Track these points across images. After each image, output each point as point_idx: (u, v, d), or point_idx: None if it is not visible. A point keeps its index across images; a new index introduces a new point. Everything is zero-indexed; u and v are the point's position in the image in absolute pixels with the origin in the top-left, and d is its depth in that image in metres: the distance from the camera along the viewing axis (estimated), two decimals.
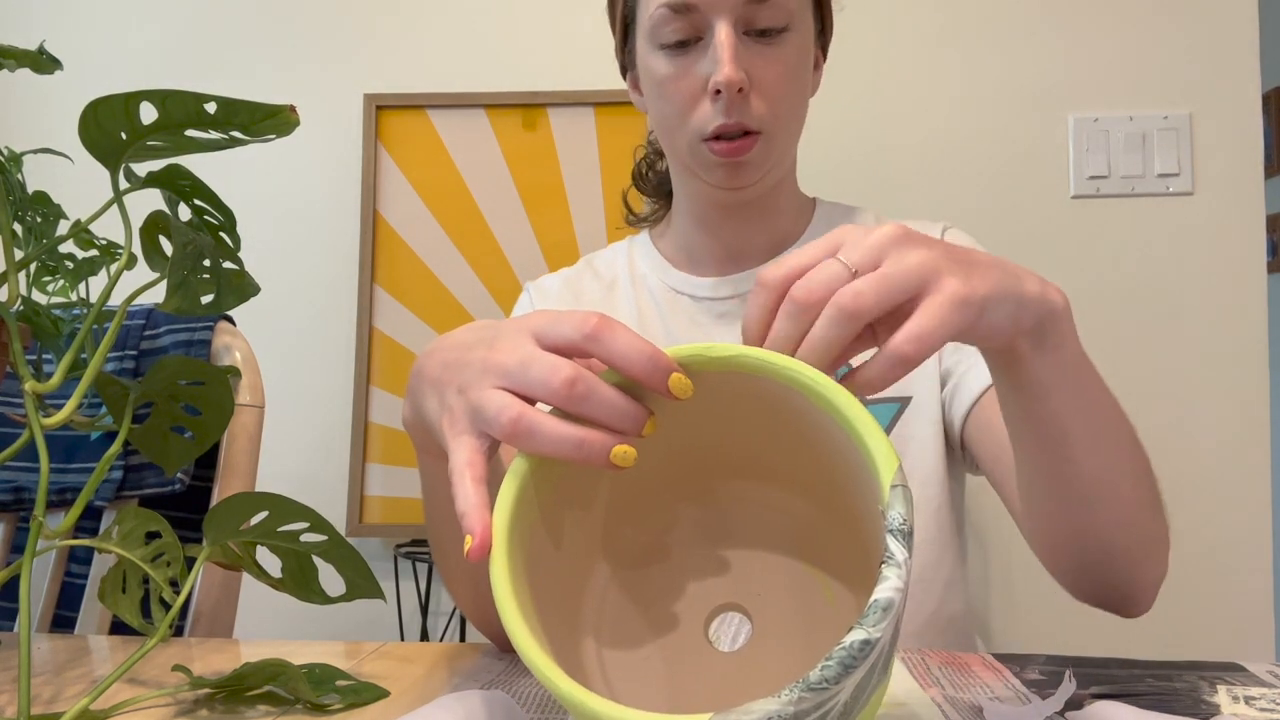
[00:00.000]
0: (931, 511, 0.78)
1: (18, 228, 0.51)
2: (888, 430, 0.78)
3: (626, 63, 0.85)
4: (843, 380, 0.40)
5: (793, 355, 0.40)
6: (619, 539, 0.47)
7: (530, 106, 1.58)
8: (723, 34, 0.72)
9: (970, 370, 0.77)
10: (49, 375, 0.46)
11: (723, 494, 0.47)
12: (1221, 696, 0.50)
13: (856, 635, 0.32)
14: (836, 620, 0.44)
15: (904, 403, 0.79)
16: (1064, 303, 0.48)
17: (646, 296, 0.87)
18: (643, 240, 0.92)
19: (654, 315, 0.86)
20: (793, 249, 0.83)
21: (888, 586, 0.33)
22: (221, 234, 0.53)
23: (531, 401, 0.42)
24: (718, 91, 0.73)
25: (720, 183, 0.78)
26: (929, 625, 0.77)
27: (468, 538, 0.39)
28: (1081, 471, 0.55)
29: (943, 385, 0.79)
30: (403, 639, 1.41)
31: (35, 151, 0.54)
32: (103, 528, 0.91)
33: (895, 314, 0.41)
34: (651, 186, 0.95)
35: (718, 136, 0.75)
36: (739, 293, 0.83)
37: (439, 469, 0.54)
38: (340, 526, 1.53)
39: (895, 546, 0.34)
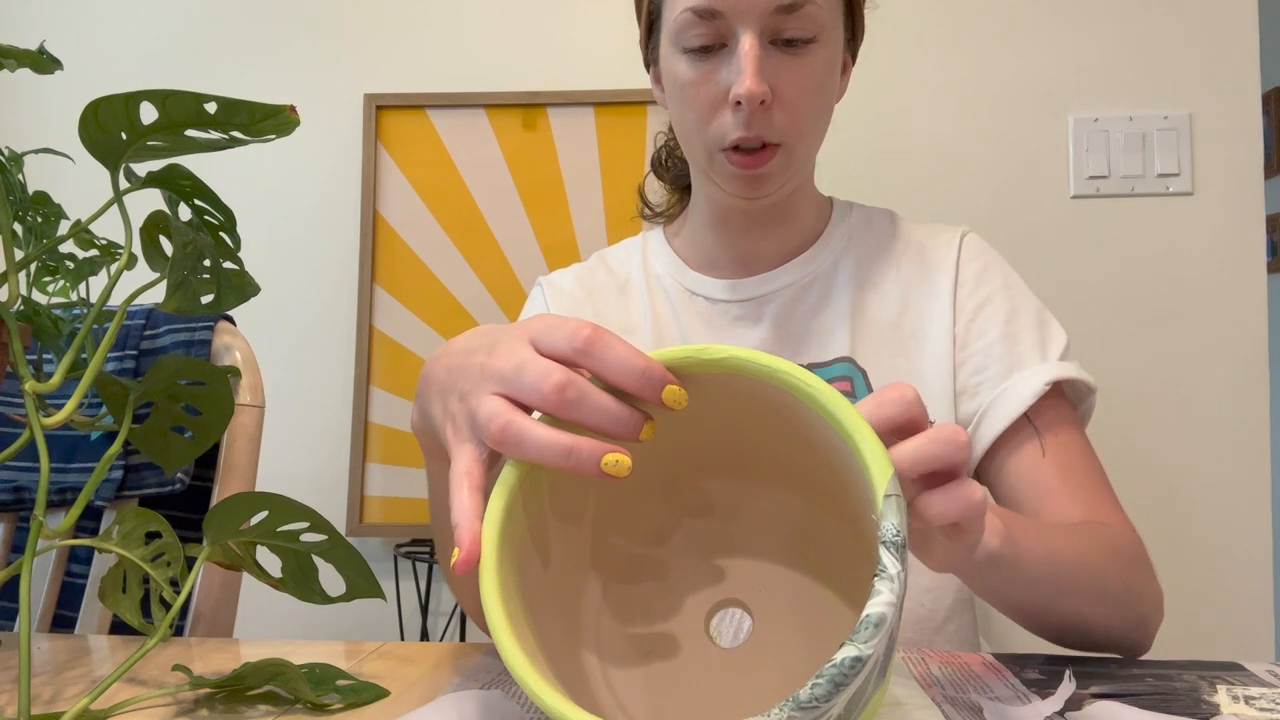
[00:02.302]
0: None
1: (18, 228, 0.51)
2: None
3: (650, 58, 0.83)
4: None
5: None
6: (614, 542, 0.47)
7: (530, 106, 1.58)
8: (747, 44, 0.70)
9: (991, 408, 0.76)
10: (49, 375, 0.46)
11: (720, 494, 0.47)
12: (1221, 696, 0.50)
13: (847, 652, 0.31)
14: (839, 614, 0.44)
15: None
16: (1005, 531, 0.52)
17: (661, 297, 0.86)
18: (657, 238, 0.90)
19: (669, 316, 0.85)
20: (811, 250, 0.83)
21: (880, 601, 0.32)
22: (221, 234, 0.53)
23: (528, 409, 0.41)
24: (739, 103, 0.71)
25: (738, 192, 0.77)
26: (938, 634, 0.77)
27: (455, 550, 0.38)
28: (1048, 620, 0.62)
29: (957, 397, 0.78)
30: (403, 639, 1.41)
31: (35, 151, 0.54)
32: (103, 528, 0.91)
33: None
34: (671, 175, 0.93)
35: (736, 147, 0.74)
36: (755, 295, 0.82)
37: (444, 472, 0.54)
38: (340, 526, 1.53)
39: (888, 559, 0.33)
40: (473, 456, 0.42)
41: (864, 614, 0.32)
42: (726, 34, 0.72)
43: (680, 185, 0.92)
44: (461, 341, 0.48)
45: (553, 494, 0.43)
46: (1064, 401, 0.76)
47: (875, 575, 0.33)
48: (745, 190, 0.76)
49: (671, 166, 0.93)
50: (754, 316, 0.82)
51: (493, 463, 0.43)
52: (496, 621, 0.37)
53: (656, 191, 0.95)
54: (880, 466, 0.35)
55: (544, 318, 0.43)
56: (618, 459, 0.39)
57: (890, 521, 0.34)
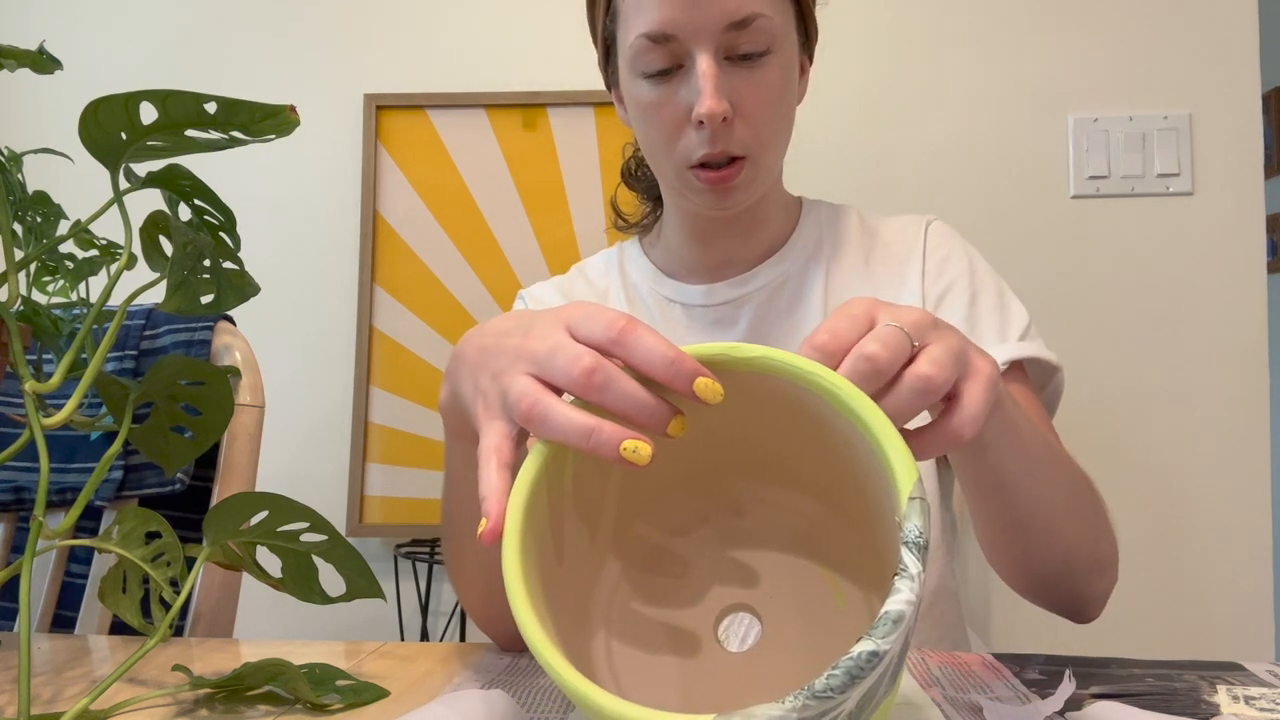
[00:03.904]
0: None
1: (18, 228, 0.51)
2: None
3: (610, 81, 0.85)
4: None
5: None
6: (631, 536, 0.47)
7: (530, 106, 1.58)
8: (704, 64, 0.71)
9: None
10: (49, 375, 0.46)
11: (736, 493, 0.47)
12: (1221, 696, 0.50)
13: (865, 646, 0.31)
14: (847, 623, 0.44)
15: None
16: (998, 367, 0.51)
17: (640, 306, 0.88)
18: (633, 248, 0.92)
19: (648, 324, 0.86)
20: (782, 251, 0.84)
21: (899, 599, 0.32)
22: (221, 234, 0.53)
23: (559, 391, 0.42)
24: (701, 122, 0.72)
25: (708, 205, 0.78)
26: (923, 619, 0.77)
27: (483, 520, 0.39)
28: (1019, 510, 0.60)
29: None
30: (403, 639, 1.41)
31: (35, 151, 0.54)
32: (103, 528, 0.91)
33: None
34: (642, 185, 0.94)
35: (703, 164, 0.74)
36: (730, 299, 0.84)
37: (467, 453, 0.54)
38: (340, 526, 1.53)
39: (910, 559, 0.33)
40: (502, 433, 0.43)
41: (883, 609, 0.32)
42: (682, 55, 0.72)
43: (653, 196, 0.93)
44: (496, 324, 0.49)
45: (579, 476, 0.43)
46: (1025, 379, 0.78)
47: (895, 574, 0.33)
48: (715, 203, 0.77)
49: (642, 177, 0.94)
50: (730, 320, 0.84)
51: (520, 441, 0.44)
52: (517, 597, 0.37)
53: (629, 202, 0.96)
54: (906, 470, 0.35)
55: (581, 305, 0.44)
56: (637, 446, 0.39)
57: (913, 523, 0.34)
